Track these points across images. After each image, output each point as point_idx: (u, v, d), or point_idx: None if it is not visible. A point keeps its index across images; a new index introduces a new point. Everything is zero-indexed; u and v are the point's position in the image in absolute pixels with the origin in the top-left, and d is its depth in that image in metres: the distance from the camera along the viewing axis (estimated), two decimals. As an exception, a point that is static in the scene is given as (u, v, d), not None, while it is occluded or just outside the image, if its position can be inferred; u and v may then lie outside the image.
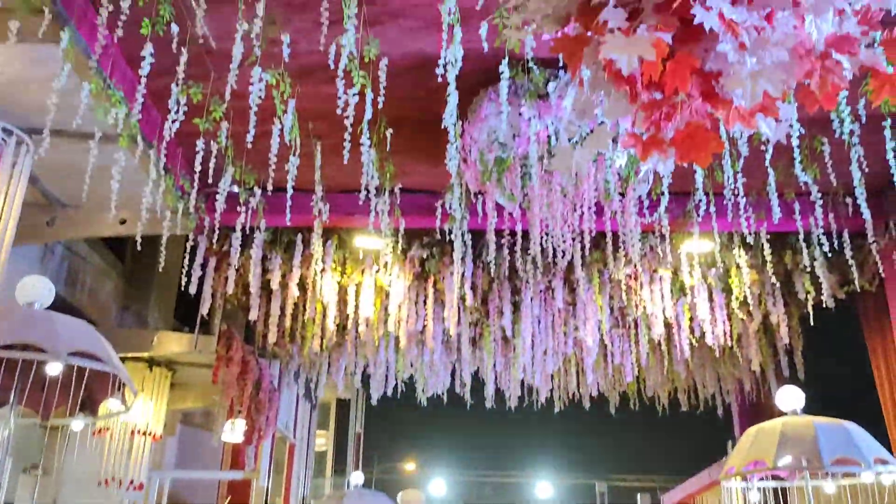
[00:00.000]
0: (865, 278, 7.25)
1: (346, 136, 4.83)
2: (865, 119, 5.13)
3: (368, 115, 4.64)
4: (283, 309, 8.17)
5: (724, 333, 8.36)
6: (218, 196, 5.85)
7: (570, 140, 4.26)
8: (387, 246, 7.35)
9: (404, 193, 6.52)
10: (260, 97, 4.65)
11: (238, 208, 6.26)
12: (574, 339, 9.18)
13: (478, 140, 5.41)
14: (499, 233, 6.47)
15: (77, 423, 3.99)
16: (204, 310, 7.63)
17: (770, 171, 5.67)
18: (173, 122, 4.79)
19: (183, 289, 7.19)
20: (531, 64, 5.03)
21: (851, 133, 5.28)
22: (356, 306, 8.19)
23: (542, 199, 5.47)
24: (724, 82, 1.54)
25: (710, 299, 8.26)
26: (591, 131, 1.80)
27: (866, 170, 5.52)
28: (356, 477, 7.60)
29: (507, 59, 4.60)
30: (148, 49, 4.33)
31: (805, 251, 6.61)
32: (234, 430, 8.99)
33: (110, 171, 5.16)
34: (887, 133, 5.32)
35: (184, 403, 9.99)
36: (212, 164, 5.40)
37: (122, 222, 6.51)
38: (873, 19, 1.60)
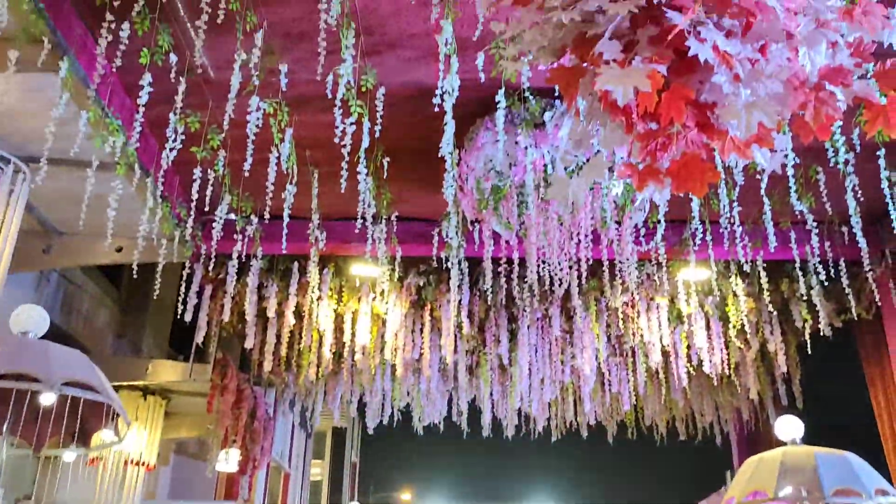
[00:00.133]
0: (862, 307, 7.25)
1: (344, 164, 4.85)
2: (860, 148, 5.16)
3: (366, 143, 4.66)
4: (279, 337, 8.15)
5: (722, 362, 8.33)
6: (215, 224, 5.85)
7: (566, 170, 4.28)
8: (383, 274, 7.34)
9: (401, 221, 6.53)
10: (257, 126, 4.67)
11: (235, 236, 6.27)
12: (571, 367, 9.14)
13: (474, 168, 5.43)
14: (495, 261, 6.47)
15: (69, 455, 3.95)
16: (199, 338, 7.59)
17: (766, 199, 5.69)
18: (171, 150, 4.80)
19: (179, 316, 7.16)
20: (527, 93, 5.07)
21: (846, 162, 5.30)
22: (352, 334, 8.16)
23: (538, 227, 5.48)
24: (719, 113, 1.55)
25: (708, 327, 8.25)
26: (588, 161, 1.80)
27: (862, 198, 5.54)
28: (352, 507, 7.50)
29: (503, 88, 4.64)
30: (146, 79, 4.36)
31: (801, 279, 6.62)
32: (228, 460, 8.91)
33: (107, 199, 5.17)
34: (882, 162, 5.35)
35: (178, 433, 9.91)
36: (209, 192, 5.41)
37: (119, 250, 6.51)
38: (866, 51, 1.61)
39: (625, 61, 1.49)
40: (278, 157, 5.19)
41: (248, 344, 7.98)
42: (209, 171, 5.38)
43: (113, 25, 4.04)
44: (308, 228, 6.28)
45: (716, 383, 9.47)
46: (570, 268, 6.26)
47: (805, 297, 7.08)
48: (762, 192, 5.56)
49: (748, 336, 8.17)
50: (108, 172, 5.17)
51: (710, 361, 8.28)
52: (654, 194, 1.72)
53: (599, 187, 5.25)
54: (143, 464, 8.31)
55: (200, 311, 7.47)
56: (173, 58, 4.35)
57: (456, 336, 8.37)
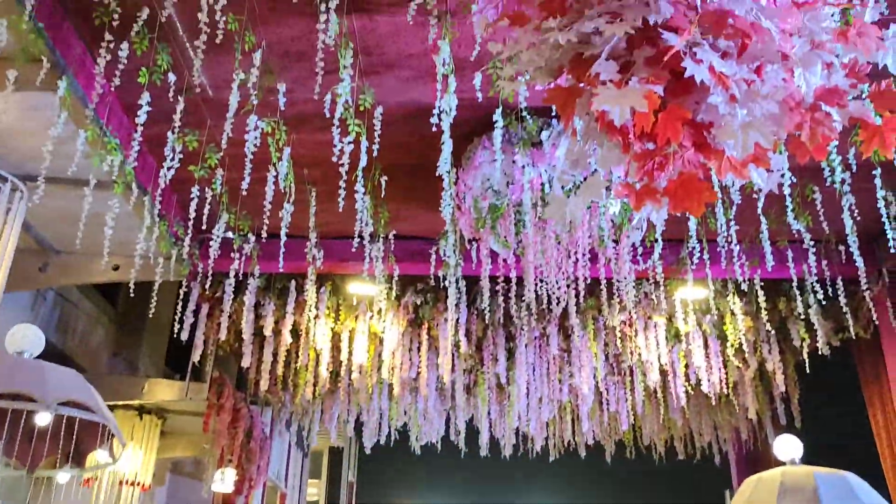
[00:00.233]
0: (860, 325, 7.25)
1: (341, 182, 4.86)
2: (856, 167, 5.18)
3: (363, 162, 4.67)
4: (275, 355, 8.11)
5: (720, 381, 8.31)
6: (212, 242, 5.85)
7: (563, 189, 4.29)
8: (381, 292, 7.33)
9: (398, 240, 6.53)
10: (256, 144, 4.68)
11: (232, 254, 6.26)
12: (569, 386, 9.11)
13: (472, 187, 5.44)
14: (493, 279, 6.47)
15: (63, 475, 3.92)
16: (196, 356, 7.56)
17: (763, 218, 5.70)
18: (169, 168, 4.81)
19: (175, 335, 7.14)
20: (525, 113, 5.09)
21: (843, 181, 5.32)
22: (349, 353, 8.13)
23: (536, 245, 5.48)
24: (715, 133, 1.55)
25: (706, 346, 8.24)
26: (585, 180, 1.80)
27: (858, 217, 5.55)
28: (348, 528, 7.45)
29: (500, 107, 4.66)
30: (145, 98, 4.37)
31: (799, 298, 6.62)
32: (224, 480, 8.85)
33: (104, 218, 5.16)
34: (878, 181, 5.36)
35: (173, 452, 9.84)
36: (206, 211, 5.41)
37: (116, 268, 6.49)
38: (861, 72, 1.62)
39: (621, 82, 1.50)
40: (276, 176, 5.20)
41: (245, 363, 7.95)
42: (207, 189, 5.39)
43: (112, 45, 4.05)
44: (305, 247, 6.28)
45: (714, 403, 9.44)
46: (568, 286, 6.27)
47: (803, 317, 7.07)
48: (759, 210, 5.57)
49: (746, 355, 8.16)
50: (106, 191, 5.17)
51: (709, 380, 8.26)
52: (651, 213, 1.72)
53: (597, 206, 5.26)
54: (139, 484, 8.25)
55: (197, 330, 7.45)
56: (172, 77, 4.37)
57: (453, 355, 8.35)
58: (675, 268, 6.88)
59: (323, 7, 3.94)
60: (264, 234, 5.59)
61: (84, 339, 8.62)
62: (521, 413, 9.50)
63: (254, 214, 5.96)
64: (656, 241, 6.01)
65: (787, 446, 4.22)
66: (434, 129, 4.33)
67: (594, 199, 1.96)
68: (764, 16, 1.54)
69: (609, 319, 7.97)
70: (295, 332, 7.95)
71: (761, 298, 6.76)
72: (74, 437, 3.47)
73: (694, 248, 6.16)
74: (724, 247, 6.00)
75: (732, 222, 5.74)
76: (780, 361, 8.11)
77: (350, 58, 4.24)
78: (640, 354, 8.24)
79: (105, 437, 3.50)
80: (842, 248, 6.28)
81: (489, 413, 10.01)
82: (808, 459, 4.20)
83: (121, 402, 8.03)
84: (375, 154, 4.75)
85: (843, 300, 6.46)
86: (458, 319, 7.60)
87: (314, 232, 6.16)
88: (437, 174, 4.66)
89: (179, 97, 4.48)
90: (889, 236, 5.67)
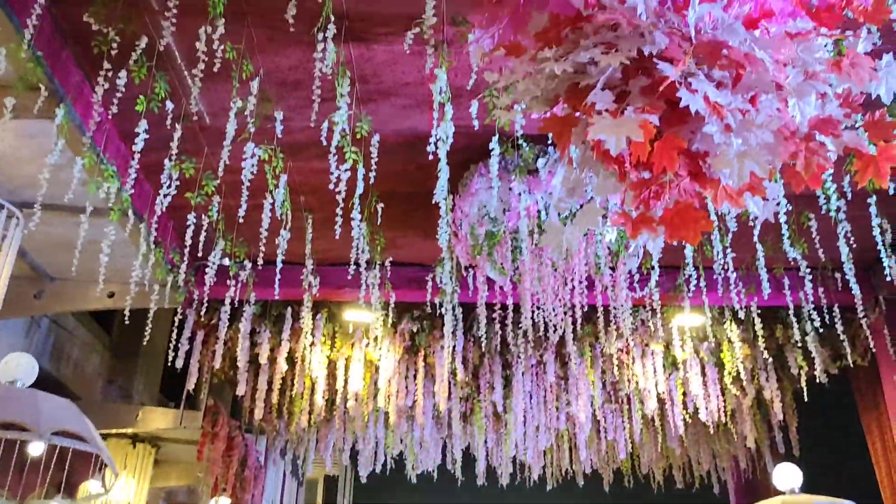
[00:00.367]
0: (858, 353, 7.23)
1: (338, 210, 4.86)
2: (851, 195, 5.20)
3: (360, 189, 4.67)
4: (270, 383, 8.06)
5: (718, 409, 8.27)
6: (208, 269, 5.83)
7: (560, 216, 4.29)
8: (377, 319, 7.30)
9: (395, 267, 6.53)
10: (252, 172, 4.69)
11: (228, 281, 6.24)
12: (566, 414, 9.06)
13: (468, 214, 5.45)
14: (490, 306, 6.45)
15: (55, 505, 3.87)
16: (190, 384, 7.51)
17: (759, 246, 5.71)
18: (165, 196, 4.81)
19: (170, 363, 7.09)
20: (521, 140, 5.11)
21: (838, 209, 5.34)
22: (345, 381, 8.08)
23: (532, 273, 5.48)
24: (711, 162, 1.56)
25: (703, 374, 8.21)
26: (581, 208, 1.81)
27: (854, 245, 5.56)
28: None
29: (497, 135, 4.68)
30: (142, 125, 4.38)
31: (796, 326, 6.61)
32: (218, 510, 8.74)
33: (100, 245, 5.15)
34: (873, 209, 5.38)
35: (167, 481, 9.74)
36: (202, 238, 5.40)
37: (111, 296, 6.47)
38: (855, 102, 1.63)
39: (617, 111, 1.50)
40: (273, 203, 5.20)
41: (240, 391, 7.90)
42: (203, 216, 5.39)
43: (110, 73, 4.07)
44: (302, 274, 6.27)
45: (712, 431, 9.39)
46: (565, 314, 6.25)
47: (800, 344, 7.06)
48: (755, 238, 5.58)
49: (744, 383, 8.12)
50: (102, 218, 5.17)
51: (707, 408, 8.22)
52: (647, 242, 1.72)
53: (593, 233, 5.27)
54: (131, 513, 8.15)
55: (192, 358, 7.40)
56: (169, 105, 4.38)
57: (450, 382, 8.30)
58: (671, 295, 6.87)
59: (320, 36, 3.97)
60: (260, 261, 5.59)
61: (78, 366, 8.56)
62: (518, 441, 9.43)
63: (250, 241, 5.95)
64: (653, 268, 6.02)
65: (787, 476, 4.20)
66: (430, 156, 4.34)
67: (590, 227, 1.96)
68: (758, 46, 1.55)
69: (606, 347, 7.94)
70: (290, 360, 7.91)
71: (758, 326, 6.75)
72: (66, 466, 3.43)
73: (691, 275, 6.16)
74: (720, 274, 6.00)
75: (729, 250, 5.75)
76: (778, 389, 8.08)
77: (347, 86, 4.27)
78: (637, 382, 8.21)
79: (98, 467, 3.46)
80: (838, 275, 6.29)
81: (486, 441, 9.94)
82: (806, 486, 4.18)
83: (114, 431, 7.96)
84: (372, 181, 4.76)
85: (840, 328, 6.45)
86: (454, 347, 7.57)
87: (310, 259, 6.15)
88: (433, 201, 4.67)
89: (177, 125, 4.49)
90: (885, 264, 5.68)
